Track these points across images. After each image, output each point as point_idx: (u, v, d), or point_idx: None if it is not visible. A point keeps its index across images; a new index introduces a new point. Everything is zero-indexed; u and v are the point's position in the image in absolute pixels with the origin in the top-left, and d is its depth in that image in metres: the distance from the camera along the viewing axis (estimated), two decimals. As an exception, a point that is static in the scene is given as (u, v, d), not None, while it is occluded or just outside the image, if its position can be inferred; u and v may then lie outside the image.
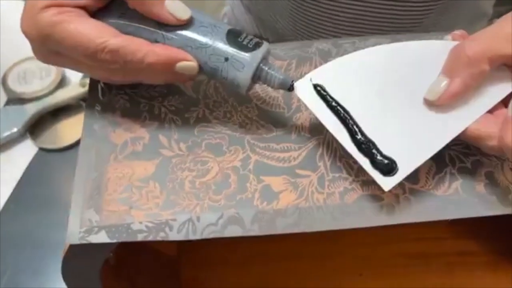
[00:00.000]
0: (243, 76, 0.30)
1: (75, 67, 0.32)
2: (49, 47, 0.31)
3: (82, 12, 0.31)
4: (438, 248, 0.47)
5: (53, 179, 0.58)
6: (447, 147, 0.29)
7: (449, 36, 0.32)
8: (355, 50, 0.36)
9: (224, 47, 0.30)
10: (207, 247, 0.46)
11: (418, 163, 0.28)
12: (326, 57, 0.36)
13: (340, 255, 0.46)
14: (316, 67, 0.36)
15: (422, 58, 0.31)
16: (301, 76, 0.35)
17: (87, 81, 0.62)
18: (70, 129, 0.61)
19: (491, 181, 0.30)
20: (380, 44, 0.37)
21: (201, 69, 0.30)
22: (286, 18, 0.54)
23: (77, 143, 0.59)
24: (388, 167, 0.28)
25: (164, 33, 0.30)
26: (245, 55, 0.30)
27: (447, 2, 0.49)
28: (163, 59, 0.29)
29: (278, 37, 0.59)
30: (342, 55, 0.36)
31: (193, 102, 0.34)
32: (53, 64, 0.33)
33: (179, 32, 0.30)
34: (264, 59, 0.31)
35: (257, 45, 0.30)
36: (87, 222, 0.28)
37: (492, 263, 0.46)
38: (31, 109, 0.60)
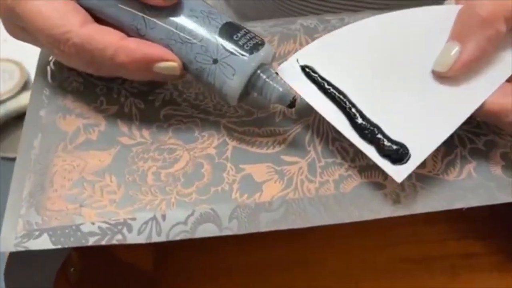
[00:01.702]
0: (233, 85, 0.25)
1: (44, 49, 0.28)
2: (14, 22, 0.26)
3: None
4: (441, 250, 0.45)
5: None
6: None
7: (452, 0, 0.29)
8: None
9: (214, 45, 0.25)
10: (186, 258, 0.43)
11: (433, 147, 0.25)
12: (312, 34, 0.33)
13: (334, 261, 0.44)
14: (301, 44, 0.32)
15: (423, 25, 0.28)
16: (285, 55, 0.31)
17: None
18: (34, 134, 0.57)
19: (508, 162, 0.27)
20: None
21: (186, 68, 0.26)
22: (270, 14, 0.51)
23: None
24: (399, 154, 0.25)
25: (146, 18, 0.26)
26: (237, 59, 0.25)
27: None
28: (137, 57, 0.25)
29: None
30: (330, 31, 0.32)
31: (159, 83, 0.30)
32: (22, 41, 0.28)
33: (164, 19, 0.26)
34: (263, 65, 0.26)
35: (256, 47, 0.25)
36: (25, 224, 0.24)
37: (498, 264, 0.44)
38: (-8, 114, 0.57)
